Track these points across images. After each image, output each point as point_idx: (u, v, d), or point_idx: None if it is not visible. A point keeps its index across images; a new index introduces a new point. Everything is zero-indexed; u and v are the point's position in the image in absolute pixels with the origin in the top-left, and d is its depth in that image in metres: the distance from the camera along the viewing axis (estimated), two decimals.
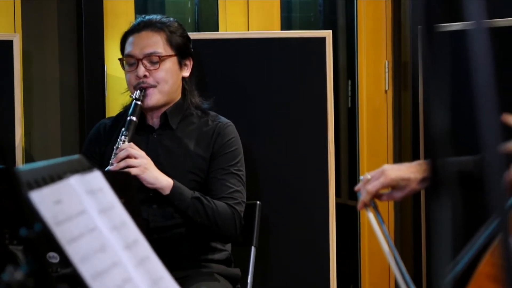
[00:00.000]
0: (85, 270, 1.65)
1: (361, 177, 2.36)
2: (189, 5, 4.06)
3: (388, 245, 2.19)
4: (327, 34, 3.59)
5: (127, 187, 2.17)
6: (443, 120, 0.97)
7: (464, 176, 2.27)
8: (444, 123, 0.97)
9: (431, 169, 0.95)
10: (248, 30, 4.00)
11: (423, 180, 2.30)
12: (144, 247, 1.91)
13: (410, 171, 2.31)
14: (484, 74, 0.96)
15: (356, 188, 2.36)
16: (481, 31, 0.97)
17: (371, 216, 2.24)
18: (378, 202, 2.32)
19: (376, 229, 2.20)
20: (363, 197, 2.30)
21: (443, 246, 0.95)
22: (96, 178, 1.87)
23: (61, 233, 1.61)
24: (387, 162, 4.04)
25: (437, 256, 0.98)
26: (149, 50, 3.19)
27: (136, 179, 3.05)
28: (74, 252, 1.64)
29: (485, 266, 1.97)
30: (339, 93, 4.34)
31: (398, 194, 2.35)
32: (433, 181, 0.95)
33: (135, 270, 1.82)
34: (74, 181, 1.74)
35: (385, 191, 2.31)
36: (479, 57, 0.97)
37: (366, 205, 2.28)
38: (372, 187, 2.27)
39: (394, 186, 2.32)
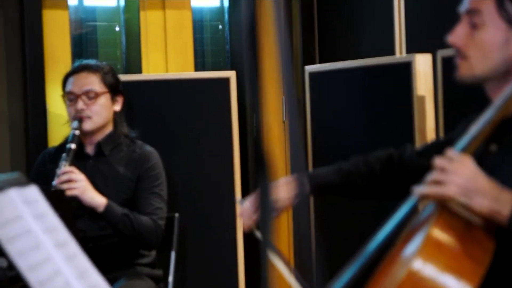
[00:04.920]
0: (22, 264, 1.71)
1: (238, 200, 2.29)
2: (117, 53, 4.10)
3: (279, 257, 2.12)
4: (231, 74, 3.63)
5: (62, 202, 2.23)
6: (261, 121, 0.99)
7: (326, 186, 2.24)
8: (262, 123, 0.99)
9: (256, 162, 0.99)
10: (167, 72, 4.03)
11: (295, 197, 2.24)
12: (73, 247, 1.97)
13: (279, 191, 2.19)
14: (292, 113, 0.96)
15: (239, 214, 2.25)
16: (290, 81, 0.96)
17: (259, 235, 2.19)
18: None
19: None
20: (246, 222, 2.21)
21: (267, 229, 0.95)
22: (32, 191, 1.94)
23: (1, 235, 1.69)
24: None
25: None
26: (86, 88, 3.25)
27: (76, 199, 3.12)
28: (12, 249, 1.71)
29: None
30: (247, 124, 4.43)
31: (274, 214, 2.32)
32: (258, 171, 0.98)
33: (65, 264, 1.88)
34: (13, 193, 1.81)
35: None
36: (289, 97, 0.95)
37: (250, 228, 2.19)
38: (253, 213, 2.18)
39: None
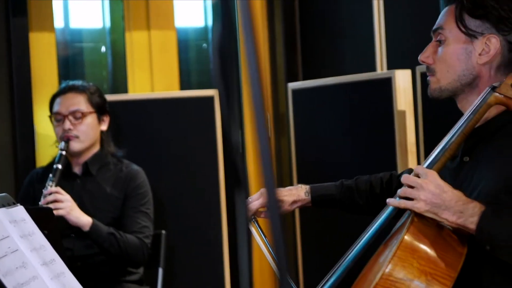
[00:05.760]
0: (8, 283, 1.74)
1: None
2: (104, 74, 4.13)
3: (271, 254, 2.14)
4: (215, 92, 3.62)
5: (48, 221, 2.24)
6: (237, 138, 1.03)
7: (327, 198, 2.30)
8: (238, 140, 1.03)
9: (232, 175, 1.01)
10: (153, 91, 4.06)
11: (293, 202, 2.27)
12: (60, 265, 2.00)
13: (283, 194, 2.26)
14: (261, 130, 0.98)
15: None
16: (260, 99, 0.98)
17: (253, 230, 2.19)
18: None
19: (258, 241, 2.15)
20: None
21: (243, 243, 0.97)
22: (19, 211, 1.97)
23: None
24: None
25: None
26: (73, 108, 3.28)
27: (62, 218, 3.14)
28: (0, 268, 1.74)
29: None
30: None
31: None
32: (234, 182, 1.01)
33: (52, 282, 1.90)
34: None
35: (263, 210, 2.24)
36: (258, 120, 0.97)
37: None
38: (252, 205, 2.22)
39: None
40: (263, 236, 2.18)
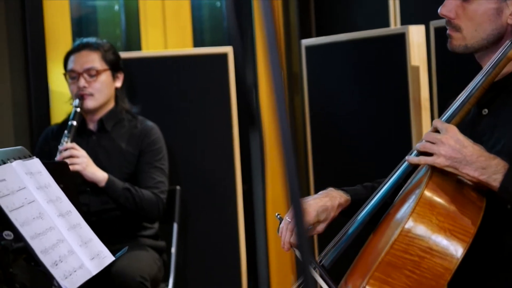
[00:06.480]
0: (25, 233, 1.76)
1: (277, 216, 2.08)
2: (117, 32, 4.12)
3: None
4: (229, 50, 3.63)
5: (64, 175, 2.26)
6: (251, 79, 1.02)
7: (363, 202, 2.09)
8: (251, 79, 1.01)
9: (249, 113, 1.00)
10: (166, 49, 4.03)
11: (339, 205, 2.08)
12: (76, 217, 2.02)
13: (325, 201, 2.06)
14: (281, 108, 0.96)
15: (279, 233, 2.06)
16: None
17: (297, 253, 1.95)
18: None
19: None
20: (288, 238, 2.01)
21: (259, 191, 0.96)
22: (35, 163, 1.98)
23: (5, 204, 1.72)
24: None
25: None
26: (88, 66, 3.30)
27: (78, 174, 3.16)
28: (16, 219, 1.75)
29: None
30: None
31: (322, 227, 2.07)
32: (251, 122, 0.99)
33: (68, 233, 1.92)
34: (16, 164, 1.85)
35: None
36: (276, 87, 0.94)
37: (292, 246, 2.00)
38: (290, 231, 2.00)
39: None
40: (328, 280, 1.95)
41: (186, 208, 3.60)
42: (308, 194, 3.69)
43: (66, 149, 3.16)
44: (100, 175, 3.19)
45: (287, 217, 2.04)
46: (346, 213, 2.11)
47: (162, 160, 3.36)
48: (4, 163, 1.81)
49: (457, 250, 1.77)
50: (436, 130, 1.88)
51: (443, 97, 3.10)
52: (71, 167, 3.11)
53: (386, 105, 3.33)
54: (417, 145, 1.91)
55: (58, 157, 3.15)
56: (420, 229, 1.78)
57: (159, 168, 3.33)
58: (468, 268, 1.84)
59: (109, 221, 3.26)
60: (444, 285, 1.77)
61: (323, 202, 2.05)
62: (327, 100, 3.61)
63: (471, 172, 1.81)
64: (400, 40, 3.23)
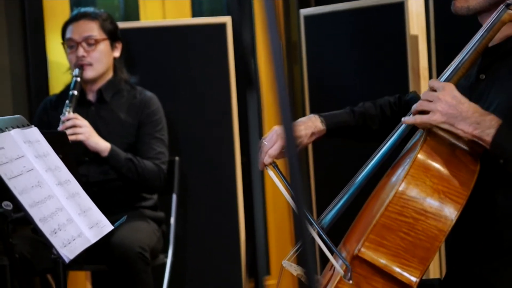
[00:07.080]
0: (24, 201, 1.75)
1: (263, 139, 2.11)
2: (115, 2, 4.08)
3: (290, 195, 2.05)
4: (227, 19, 3.60)
5: (63, 145, 2.25)
6: (248, 40, 1.01)
7: (342, 125, 2.20)
8: (249, 41, 1.01)
9: (244, 71, 0.99)
10: (164, 19, 4.00)
11: (312, 134, 2.14)
12: (75, 186, 2.01)
13: (300, 129, 2.14)
14: (280, 77, 0.94)
15: (260, 150, 2.10)
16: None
17: (271, 173, 2.04)
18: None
19: (278, 184, 1.98)
20: (263, 159, 2.07)
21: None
22: (33, 132, 1.97)
23: (3, 172, 1.72)
24: None
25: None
26: (86, 34, 3.28)
27: (81, 144, 3.16)
28: (15, 186, 1.74)
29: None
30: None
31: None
32: (247, 81, 0.99)
33: (67, 202, 1.92)
34: (14, 133, 1.84)
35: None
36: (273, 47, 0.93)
37: (266, 165, 2.07)
38: (273, 150, 2.06)
39: None
40: (282, 178, 2.02)
41: (185, 179, 3.60)
42: (307, 164, 3.71)
43: (68, 119, 3.15)
44: (103, 145, 3.19)
45: (264, 140, 2.11)
46: (331, 135, 2.19)
47: (162, 131, 3.35)
48: (2, 131, 1.80)
49: (451, 212, 1.78)
50: (433, 90, 1.89)
51: (442, 66, 3.07)
52: (74, 137, 3.11)
53: (385, 74, 3.32)
54: (414, 106, 1.92)
55: (60, 127, 3.14)
56: (415, 191, 1.80)
57: (159, 138, 3.33)
58: (462, 231, 1.86)
59: (109, 192, 3.26)
60: (438, 247, 1.78)
61: (298, 130, 2.12)
62: (326, 69, 3.60)
63: (465, 127, 1.82)
64: (399, 9, 3.22)
